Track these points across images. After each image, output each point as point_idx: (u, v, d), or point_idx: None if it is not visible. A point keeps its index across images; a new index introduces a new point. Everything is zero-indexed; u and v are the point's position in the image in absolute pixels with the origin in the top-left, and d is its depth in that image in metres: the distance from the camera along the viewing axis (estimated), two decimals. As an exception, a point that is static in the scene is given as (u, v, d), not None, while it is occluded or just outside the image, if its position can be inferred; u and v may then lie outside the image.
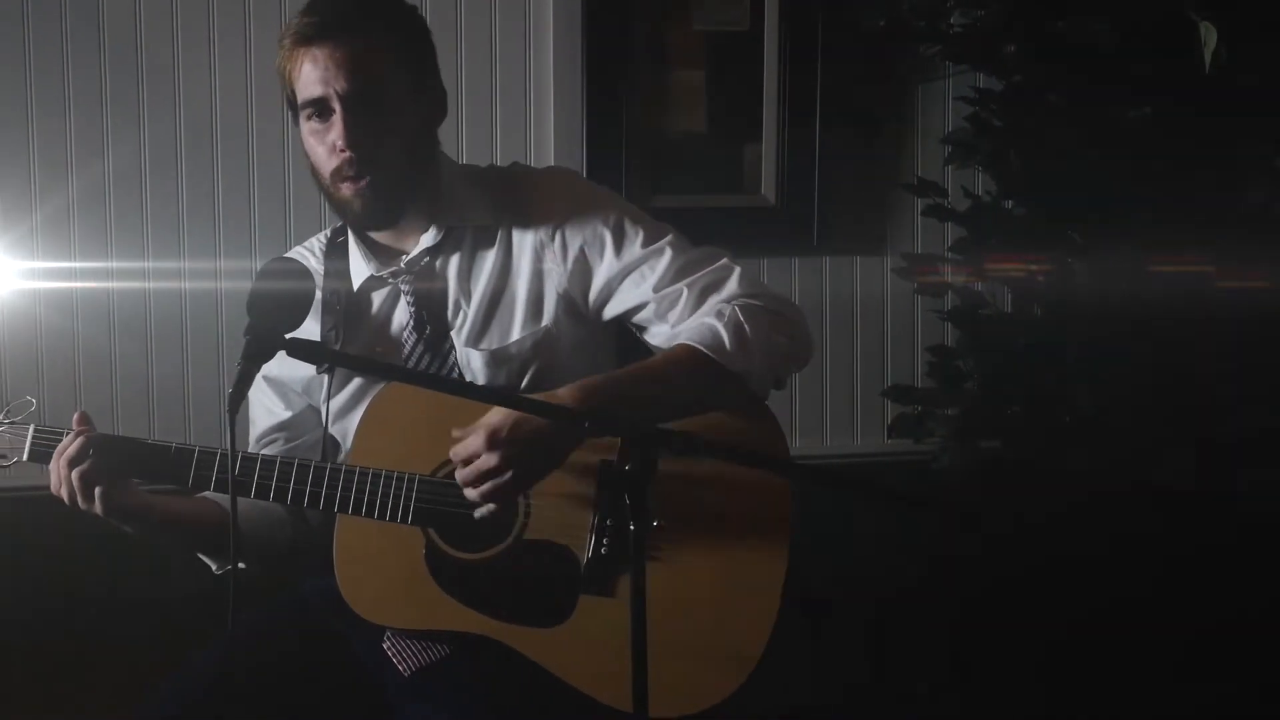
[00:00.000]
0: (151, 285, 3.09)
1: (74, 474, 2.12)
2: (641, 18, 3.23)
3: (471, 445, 2.03)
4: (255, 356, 1.83)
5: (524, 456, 2.02)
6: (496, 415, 2.02)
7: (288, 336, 1.85)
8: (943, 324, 3.37)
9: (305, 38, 2.13)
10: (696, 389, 2.10)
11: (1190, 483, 3.00)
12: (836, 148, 3.32)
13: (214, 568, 2.34)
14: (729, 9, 3.26)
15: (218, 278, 3.10)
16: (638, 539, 1.76)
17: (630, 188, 3.16)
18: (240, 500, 2.24)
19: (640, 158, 3.22)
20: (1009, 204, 3.23)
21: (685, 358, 2.11)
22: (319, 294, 2.23)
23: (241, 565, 2.32)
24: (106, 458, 2.13)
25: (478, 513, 2.07)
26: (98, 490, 2.12)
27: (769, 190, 3.30)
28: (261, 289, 2.00)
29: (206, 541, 2.30)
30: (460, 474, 2.05)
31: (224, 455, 2.16)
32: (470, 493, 2.04)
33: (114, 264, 3.07)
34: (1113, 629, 3.06)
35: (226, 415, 1.80)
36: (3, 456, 2.22)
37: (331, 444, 2.33)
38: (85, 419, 2.17)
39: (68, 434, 2.16)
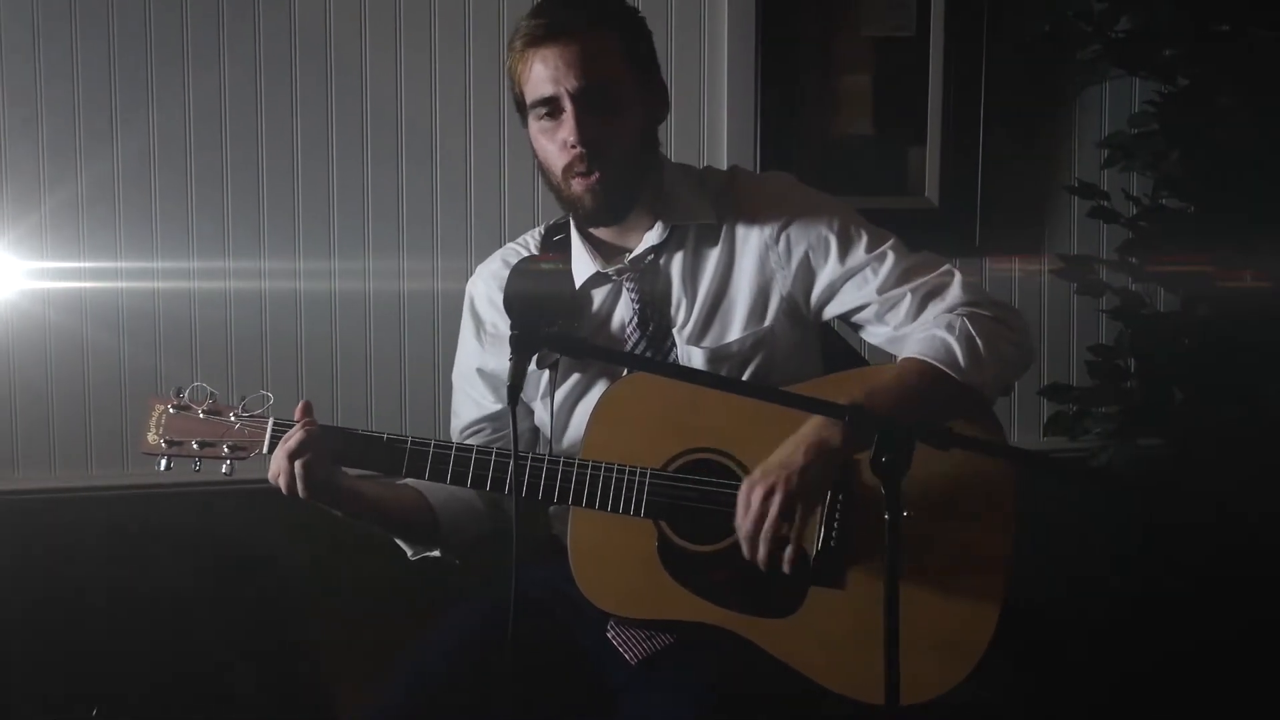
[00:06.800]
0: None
1: (296, 464, 2.17)
2: (812, 25, 3.29)
3: (741, 502, 2.08)
4: (523, 350, 1.90)
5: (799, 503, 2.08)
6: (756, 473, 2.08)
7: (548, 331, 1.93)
8: (1097, 326, 3.42)
9: (536, 39, 2.20)
10: (932, 403, 2.14)
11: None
12: (998, 151, 3.38)
13: (409, 553, 2.41)
14: (896, 16, 3.31)
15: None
16: (892, 527, 1.79)
17: (799, 190, 3.22)
18: (441, 490, 2.33)
19: (809, 160, 3.26)
20: (1164, 204, 3.28)
21: (920, 372, 2.15)
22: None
23: (436, 553, 2.41)
24: (324, 447, 2.19)
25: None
26: (314, 479, 2.18)
27: (932, 192, 3.36)
28: (515, 289, 2.08)
29: (404, 527, 2.37)
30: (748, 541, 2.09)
31: (453, 447, 2.23)
32: (761, 550, 2.09)
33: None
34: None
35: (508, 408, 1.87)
36: (242, 449, 2.28)
37: (537, 436, 2.40)
38: (308, 409, 2.23)
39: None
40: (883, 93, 3.35)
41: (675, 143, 3.17)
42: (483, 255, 2.52)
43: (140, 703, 2.52)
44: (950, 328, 2.17)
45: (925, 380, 2.15)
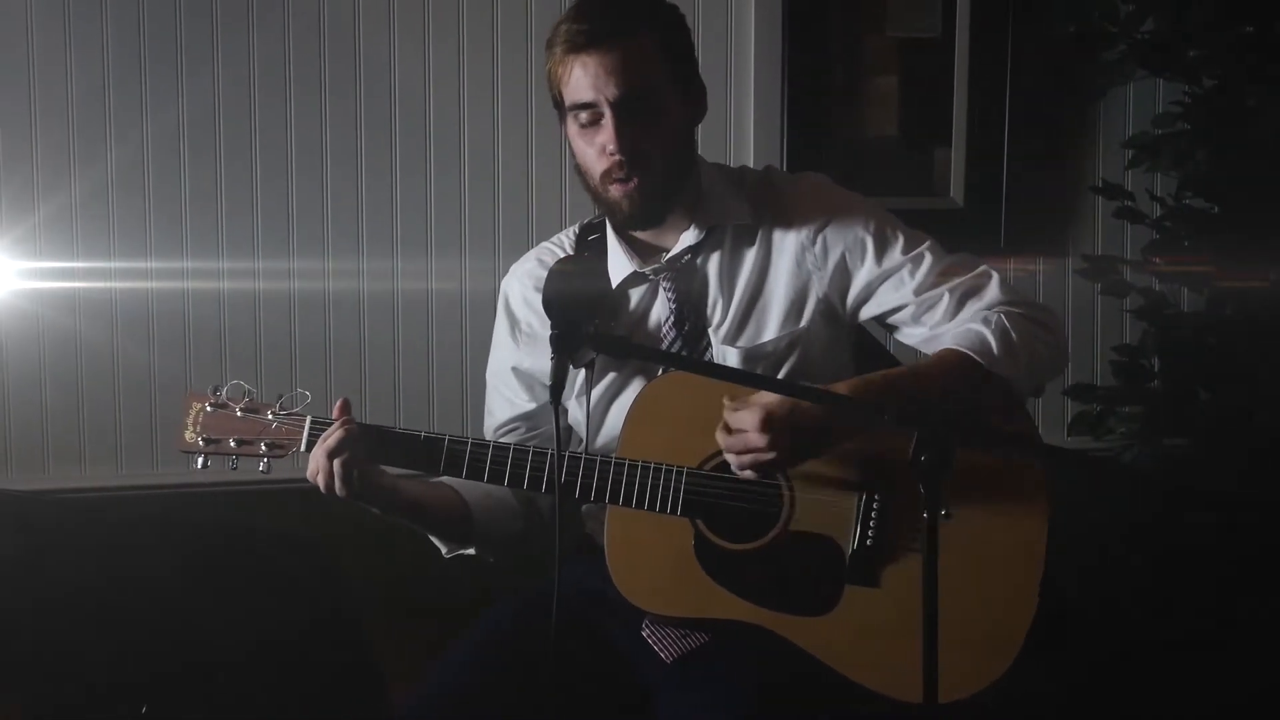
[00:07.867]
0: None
1: (335, 462, 2.18)
2: (839, 26, 3.31)
3: (745, 421, 2.09)
4: (565, 350, 1.91)
5: (792, 443, 2.09)
6: (772, 398, 2.08)
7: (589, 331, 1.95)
8: (1121, 326, 3.43)
9: (576, 45, 2.19)
10: (964, 392, 2.15)
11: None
12: (1023, 151, 3.39)
13: (444, 551, 2.42)
14: (922, 17, 3.32)
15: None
16: (931, 528, 1.79)
17: (825, 190, 3.23)
18: (476, 488, 2.33)
19: (835, 160, 3.27)
20: (1189, 204, 3.29)
21: (954, 361, 2.17)
22: None
23: (471, 551, 2.42)
24: (362, 446, 2.20)
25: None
26: (352, 477, 2.19)
27: (957, 193, 3.37)
28: (554, 289, 2.09)
29: (439, 525, 2.37)
30: (727, 441, 2.11)
31: (491, 445, 2.24)
32: (732, 459, 2.12)
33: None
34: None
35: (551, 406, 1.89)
36: (280, 447, 2.28)
37: (570, 435, 2.40)
38: (346, 407, 2.24)
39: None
40: (908, 94, 3.37)
41: (702, 142, 3.16)
42: (511, 254, 2.53)
43: (184, 700, 2.53)
44: (986, 321, 2.19)
45: (956, 368, 2.16)
